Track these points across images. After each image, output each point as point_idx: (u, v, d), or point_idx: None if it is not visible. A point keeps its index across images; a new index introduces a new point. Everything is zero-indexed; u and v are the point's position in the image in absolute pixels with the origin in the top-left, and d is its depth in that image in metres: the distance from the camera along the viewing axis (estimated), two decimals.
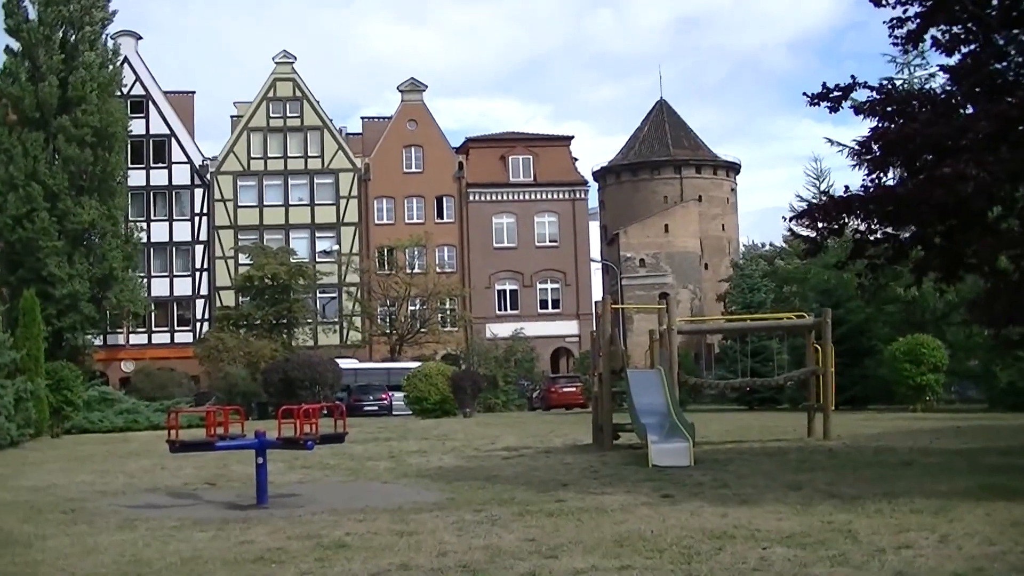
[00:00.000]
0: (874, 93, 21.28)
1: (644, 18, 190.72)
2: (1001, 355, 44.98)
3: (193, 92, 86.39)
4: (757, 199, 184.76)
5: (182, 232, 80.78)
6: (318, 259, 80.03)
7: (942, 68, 21.55)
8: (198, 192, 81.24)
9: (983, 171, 17.29)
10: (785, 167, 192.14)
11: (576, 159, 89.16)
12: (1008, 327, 22.16)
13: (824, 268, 54.03)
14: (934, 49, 21.36)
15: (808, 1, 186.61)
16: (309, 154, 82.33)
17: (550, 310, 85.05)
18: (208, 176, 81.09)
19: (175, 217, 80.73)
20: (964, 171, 17.57)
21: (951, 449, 24.97)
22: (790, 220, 23.26)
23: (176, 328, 79.94)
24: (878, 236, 22.20)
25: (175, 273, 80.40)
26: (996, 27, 20.42)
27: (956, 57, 21.22)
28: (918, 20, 21.05)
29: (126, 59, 75.01)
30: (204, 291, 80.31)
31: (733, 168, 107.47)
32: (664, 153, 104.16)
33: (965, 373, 54.87)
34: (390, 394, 59.88)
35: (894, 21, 21.29)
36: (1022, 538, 11.70)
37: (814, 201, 71.25)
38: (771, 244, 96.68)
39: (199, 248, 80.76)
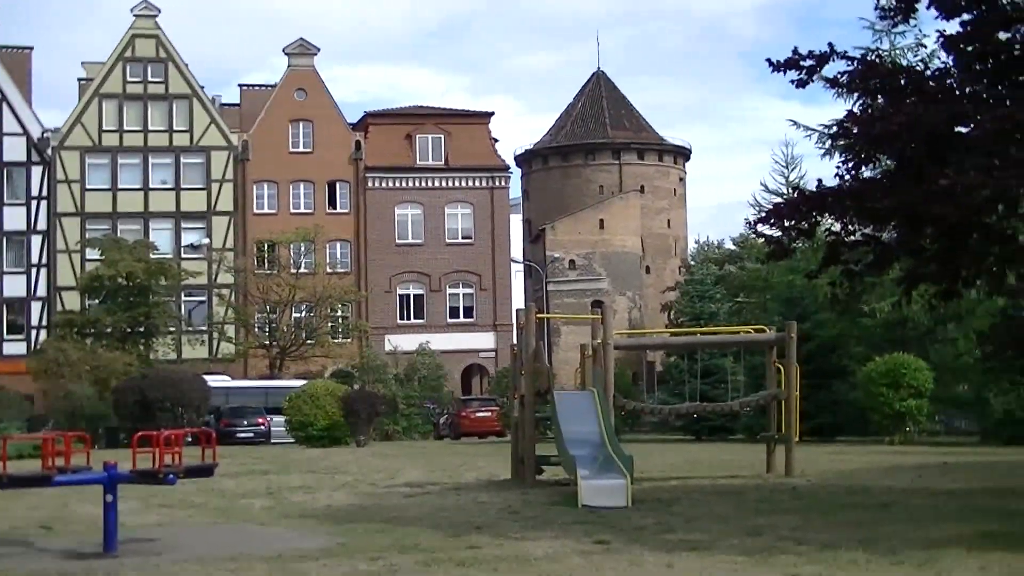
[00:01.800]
0: (855, 64, 21.30)
1: None
2: (995, 379, 45.56)
3: (30, 48, 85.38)
4: (713, 191, 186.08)
5: (15, 220, 79.66)
6: (184, 255, 79.25)
7: (941, 36, 21.61)
8: (36, 171, 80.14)
9: (991, 179, 17.37)
10: (748, 154, 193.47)
11: (496, 140, 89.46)
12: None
13: (789, 273, 54.35)
14: (933, 9, 21.35)
15: None
16: (175, 128, 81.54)
17: (462, 319, 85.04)
18: (49, 151, 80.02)
19: (6, 201, 79.68)
20: (967, 181, 17.63)
21: (938, 489, 25.28)
22: (755, 224, 23.22)
23: (6, 337, 79.07)
24: (856, 238, 22.34)
25: (5, 269, 79.47)
26: None
27: (956, 25, 21.33)
28: None
29: None
30: (42, 292, 79.39)
31: (683, 154, 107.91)
32: (601, 135, 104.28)
33: (953, 400, 55.56)
34: (268, 418, 59.70)
35: None
36: None
37: (782, 193, 72.06)
38: (723, 244, 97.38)
39: (36, 239, 79.69)
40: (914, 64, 28.07)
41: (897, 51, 52.47)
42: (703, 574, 13.41)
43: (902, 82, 21.50)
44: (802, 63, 21.11)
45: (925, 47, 43.89)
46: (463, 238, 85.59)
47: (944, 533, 16.83)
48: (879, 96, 21.20)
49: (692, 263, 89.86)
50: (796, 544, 15.89)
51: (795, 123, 76.53)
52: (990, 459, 37.34)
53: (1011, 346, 22.19)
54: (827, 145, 23.42)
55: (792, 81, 21.22)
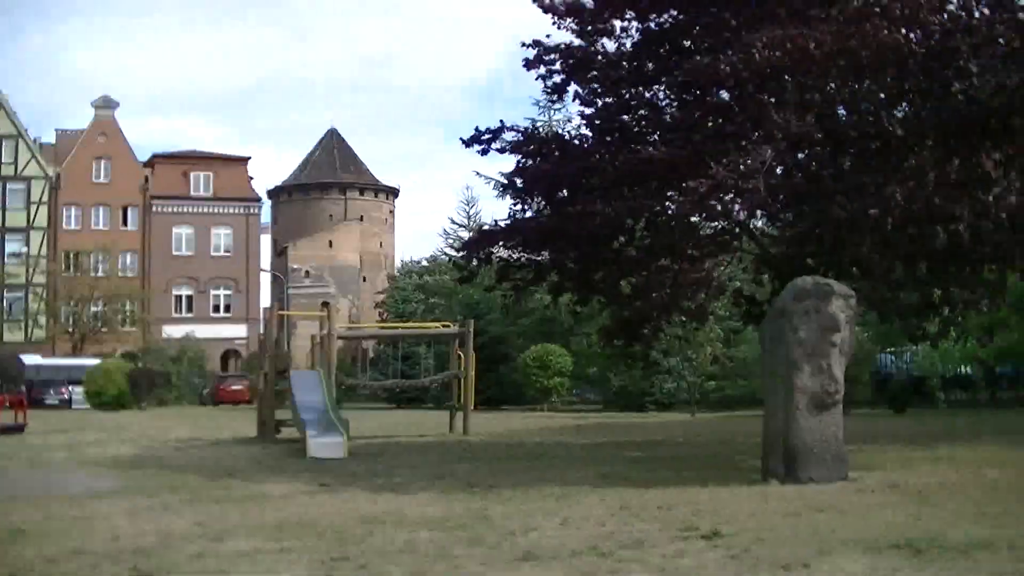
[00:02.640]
0: (518, 135, 21.81)
1: (333, 56, 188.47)
2: (616, 363, 46.77)
3: None
4: (419, 220, 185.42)
5: None
6: (7, 260, 76.26)
7: (582, 116, 22.30)
8: None
9: (608, 208, 17.90)
10: (444, 193, 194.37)
11: (252, 177, 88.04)
12: (631, 346, 23.00)
13: (470, 285, 54.75)
14: (575, 101, 22.10)
15: (476, 52, 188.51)
16: (3, 160, 77.79)
17: (222, 314, 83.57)
18: None
19: None
20: (592, 208, 18.14)
21: (573, 443, 25.76)
22: (458, 251, 23.90)
23: None
24: (521, 261, 22.74)
25: None
26: (625, 85, 21.22)
27: (593, 108, 21.98)
28: (563, 76, 21.71)
29: None
30: None
31: (393, 192, 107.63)
32: (332, 176, 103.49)
33: (586, 378, 56.73)
34: (70, 388, 57.73)
35: (543, 76, 21.86)
36: (630, 519, 12.10)
37: (464, 225, 72.67)
38: (421, 262, 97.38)
39: None
40: (564, 132, 28.95)
41: (555, 121, 53.57)
42: (400, 508, 13.39)
43: (553, 146, 22.05)
44: (483, 137, 21.57)
45: (572, 121, 44.82)
46: (224, 252, 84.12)
47: (576, 475, 17.16)
48: (537, 156, 21.66)
49: (397, 275, 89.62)
50: (469, 486, 16.00)
51: (478, 173, 76.86)
52: (610, 421, 38.25)
53: (616, 338, 22.85)
54: (500, 190, 24.20)
55: (478, 149, 21.70)
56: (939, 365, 45.27)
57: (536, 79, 21.86)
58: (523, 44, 21.52)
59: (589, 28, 21.23)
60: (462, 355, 31.22)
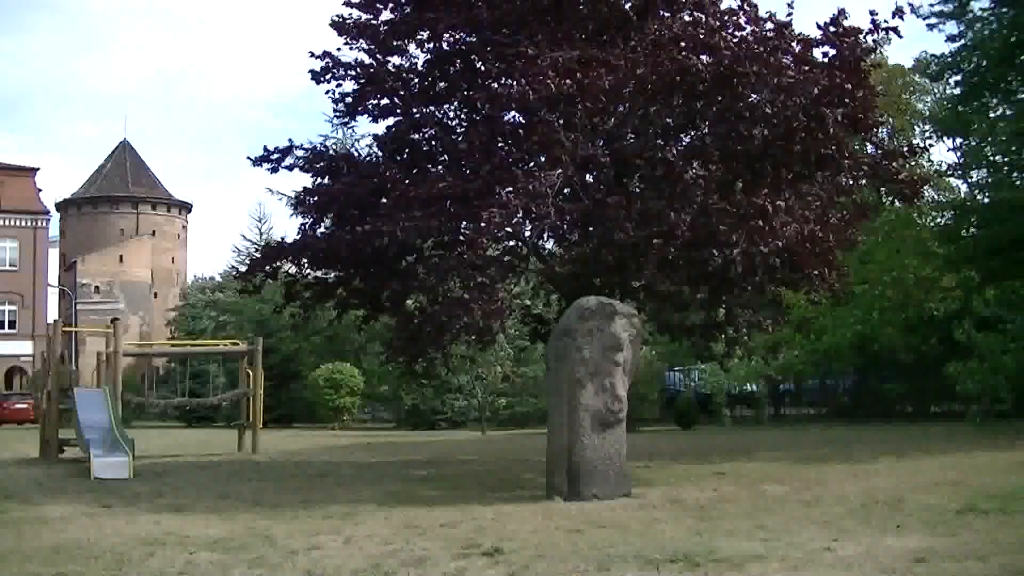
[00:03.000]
0: (308, 154, 21.67)
1: (128, 67, 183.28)
2: (407, 382, 46.80)
3: None
4: (216, 235, 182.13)
5: None
6: None
7: (374, 136, 22.28)
8: None
9: (397, 228, 17.85)
10: (243, 208, 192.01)
11: (40, 189, 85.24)
12: (416, 361, 23.00)
13: (258, 302, 54.07)
14: (365, 116, 22.05)
15: (280, 68, 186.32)
16: None
17: (6, 331, 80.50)
18: None
19: None
20: (381, 228, 18.08)
21: (362, 462, 25.64)
22: (243, 276, 23.43)
23: None
24: (309, 280, 22.58)
25: None
26: (415, 103, 21.26)
27: (384, 125, 22.02)
28: (354, 93, 21.66)
29: None
30: None
31: (186, 207, 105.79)
32: (123, 190, 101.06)
33: (378, 396, 56.65)
34: None
35: (334, 93, 21.80)
36: (413, 537, 12.07)
37: (255, 242, 71.71)
38: (214, 278, 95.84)
39: None
40: (355, 150, 28.94)
41: (348, 140, 53.31)
42: (182, 529, 13.07)
43: (344, 165, 21.93)
44: (271, 157, 21.39)
45: (363, 140, 44.75)
46: (10, 265, 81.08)
47: (363, 494, 17.06)
48: (326, 175, 21.53)
49: (189, 291, 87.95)
50: (254, 505, 15.77)
51: (270, 190, 75.89)
52: (401, 440, 38.23)
53: (400, 354, 22.78)
54: (293, 207, 24.30)
55: (268, 168, 21.49)
56: (725, 383, 46.58)
57: (326, 93, 21.78)
58: (311, 55, 21.39)
59: (382, 47, 21.22)
60: (251, 373, 30.91)
